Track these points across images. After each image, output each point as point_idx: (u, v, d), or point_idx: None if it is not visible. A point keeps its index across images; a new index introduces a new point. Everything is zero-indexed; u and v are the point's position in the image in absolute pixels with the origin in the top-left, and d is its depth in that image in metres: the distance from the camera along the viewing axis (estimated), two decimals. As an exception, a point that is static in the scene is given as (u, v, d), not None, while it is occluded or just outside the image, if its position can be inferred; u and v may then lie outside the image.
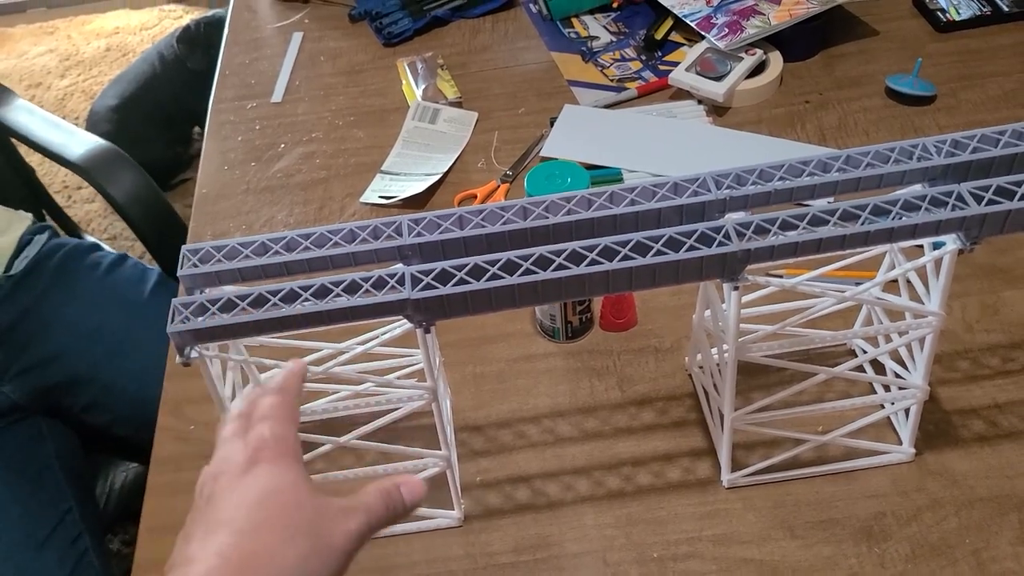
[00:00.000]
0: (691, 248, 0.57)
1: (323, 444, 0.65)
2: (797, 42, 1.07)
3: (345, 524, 0.47)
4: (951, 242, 0.60)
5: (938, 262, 0.62)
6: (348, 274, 0.58)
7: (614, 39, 1.15)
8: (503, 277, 0.56)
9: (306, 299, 0.57)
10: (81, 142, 1.14)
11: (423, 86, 1.09)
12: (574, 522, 0.70)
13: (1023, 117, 0.98)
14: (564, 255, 0.57)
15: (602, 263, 0.56)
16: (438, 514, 0.71)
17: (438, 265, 0.57)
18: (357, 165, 1.02)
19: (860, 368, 0.70)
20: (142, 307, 1.08)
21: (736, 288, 0.59)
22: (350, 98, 1.11)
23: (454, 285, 0.56)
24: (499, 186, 0.97)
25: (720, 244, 0.57)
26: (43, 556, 0.92)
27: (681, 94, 1.06)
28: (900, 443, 0.72)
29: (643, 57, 1.12)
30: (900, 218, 0.57)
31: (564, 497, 0.72)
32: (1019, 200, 0.57)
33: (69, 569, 0.93)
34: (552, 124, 1.03)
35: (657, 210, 0.60)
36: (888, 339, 0.71)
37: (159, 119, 2.03)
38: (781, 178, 0.61)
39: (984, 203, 0.57)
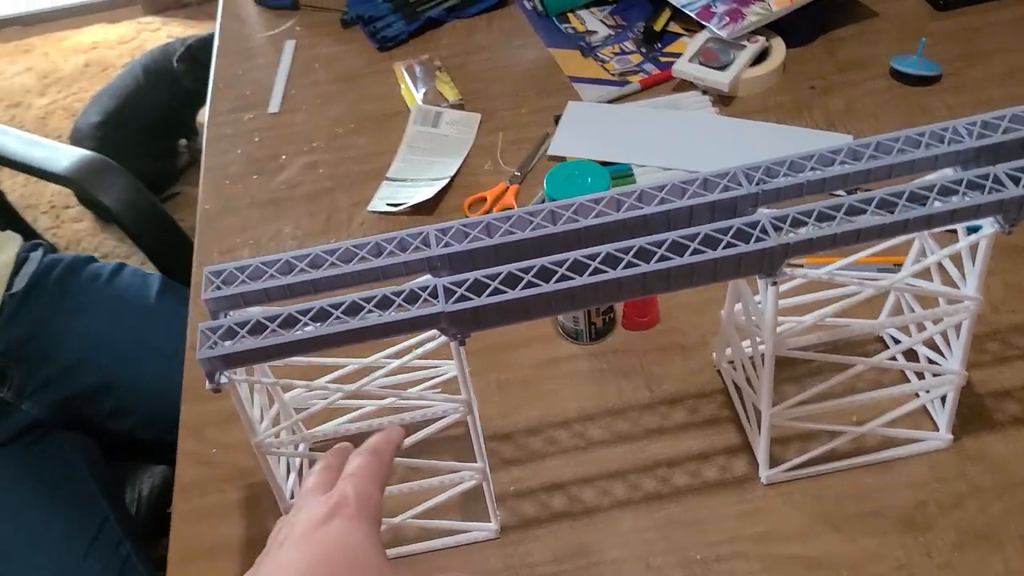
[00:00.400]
0: (728, 245, 0.55)
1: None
2: (798, 27, 1.06)
3: None
4: (988, 225, 0.59)
5: (973, 246, 0.61)
6: (378, 289, 0.56)
7: (612, 33, 1.14)
8: (538, 285, 0.55)
9: (337, 317, 0.55)
10: (66, 155, 1.13)
11: (423, 89, 1.07)
12: (613, 528, 0.69)
13: (1032, 92, 0.98)
14: (599, 259, 0.56)
15: (639, 265, 0.55)
16: (474, 527, 0.69)
17: (470, 275, 0.56)
18: (361, 173, 1.01)
19: (896, 357, 0.68)
20: (151, 311, 1.09)
21: (774, 283, 0.58)
22: (349, 105, 1.09)
23: (489, 295, 0.55)
24: (508, 187, 0.95)
25: (757, 240, 0.56)
26: (89, 565, 0.92)
27: (685, 85, 1.05)
28: (937, 430, 0.71)
29: (643, 49, 1.11)
30: (937, 204, 0.56)
31: (601, 502, 0.71)
32: (1057, 180, 0.56)
33: (116, 574, 0.93)
34: (557, 122, 1.02)
35: (688, 208, 0.59)
36: (920, 327, 0.70)
37: (144, 134, 2.00)
38: (812, 168, 0.59)
39: (1022, 184, 0.56)
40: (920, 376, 0.72)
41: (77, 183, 1.10)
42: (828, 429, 0.69)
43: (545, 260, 0.56)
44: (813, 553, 0.66)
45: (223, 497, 0.74)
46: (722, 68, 1.02)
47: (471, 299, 0.55)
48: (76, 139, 1.98)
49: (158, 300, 1.09)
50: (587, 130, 1.00)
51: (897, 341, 0.75)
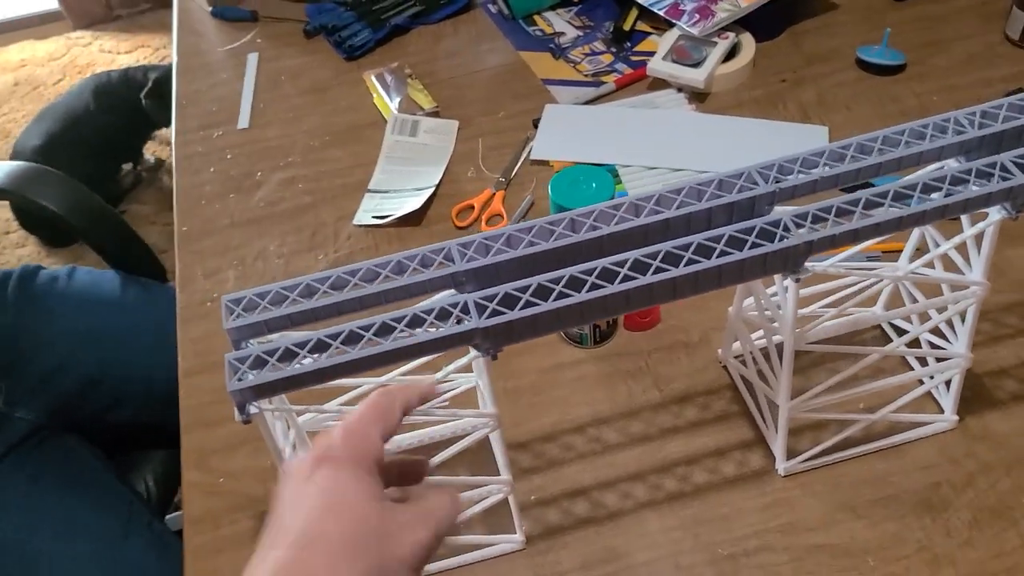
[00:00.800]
0: (753, 245, 0.56)
1: (385, 485, 0.62)
2: (764, 22, 1.08)
3: (414, 535, 0.44)
4: (995, 212, 0.60)
5: (979, 232, 0.62)
6: (407, 308, 0.55)
7: (580, 33, 1.14)
8: (570, 295, 0.55)
9: (369, 339, 0.54)
10: (1, 167, 1.09)
11: (397, 98, 1.06)
12: (639, 530, 0.69)
13: (994, 78, 1.01)
14: (627, 265, 0.56)
15: (668, 270, 0.55)
16: (500, 539, 0.69)
17: (500, 289, 0.55)
18: (342, 186, 0.99)
19: (907, 344, 0.70)
20: (118, 303, 1.08)
21: (797, 280, 0.58)
22: (321, 117, 1.08)
23: (521, 309, 0.54)
24: (495, 193, 0.95)
25: (781, 238, 0.56)
26: (130, 543, 0.92)
27: (658, 84, 1.06)
28: (942, 412, 0.73)
29: (613, 49, 1.11)
30: (950, 194, 0.58)
31: (624, 505, 0.71)
32: (1061, 165, 0.58)
33: (158, 549, 0.93)
34: (536, 125, 1.02)
35: (708, 209, 0.59)
36: (924, 316, 0.71)
37: (88, 157, 1.94)
38: (825, 164, 0.60)
39: (1029, 172, 0.58)
40: (922, 362, 0.73)
41: (15, 192, 1.07)
42: (843, 418, 0.70)
43: (574, 270, 0.56)
44: (837, 541, 0.67)
45: (237, 528, 0.73)
46: (695, 65, 1.03)
47: (504, 313, 0.54)
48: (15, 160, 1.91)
49: (123, 291, 1.08)
50: (567, 132, 1.00)
51: (898, 330, 0.77)
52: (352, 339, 0.54)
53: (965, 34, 1.07)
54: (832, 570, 0.66)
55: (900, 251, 0.83)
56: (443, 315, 0.55)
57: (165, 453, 1.09)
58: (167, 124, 2.02)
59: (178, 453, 0.78)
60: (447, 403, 0.68)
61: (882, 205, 0.58)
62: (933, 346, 0.72)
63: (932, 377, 0.72)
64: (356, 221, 0.95)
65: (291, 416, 0.67)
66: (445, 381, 0.71)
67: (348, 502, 0.44)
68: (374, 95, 1.08)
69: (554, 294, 0.55)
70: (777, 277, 0.62)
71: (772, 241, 0.56)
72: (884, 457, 0.72)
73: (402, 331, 0.54)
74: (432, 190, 0.95)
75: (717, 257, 0.56)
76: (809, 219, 0.57)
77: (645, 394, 0.78)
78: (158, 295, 1.09)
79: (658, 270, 0.55)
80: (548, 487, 0.73)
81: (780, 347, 0.66)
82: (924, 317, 0.72)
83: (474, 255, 0.58)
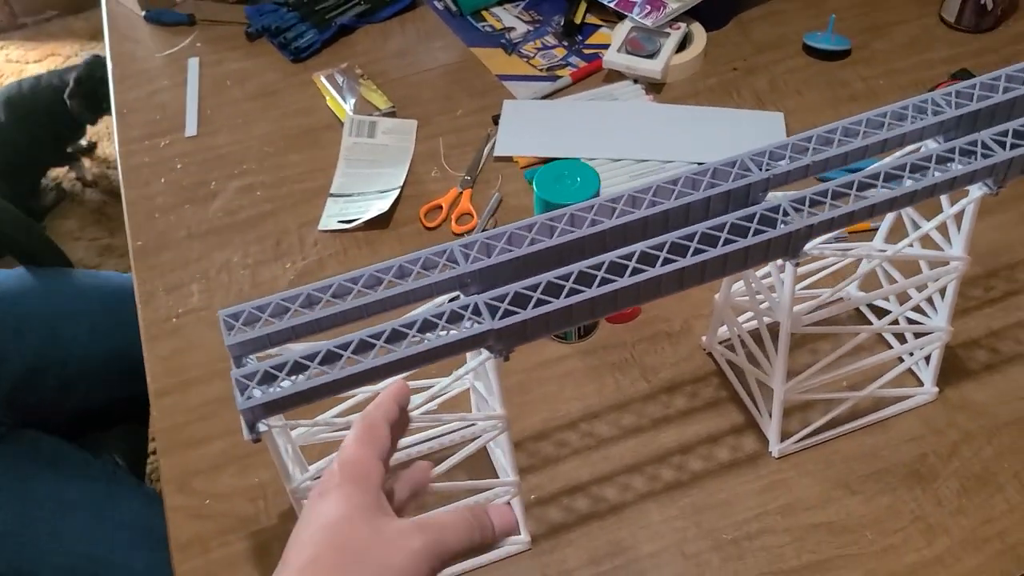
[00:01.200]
0: (756, 232, 0.57)
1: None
2: (712, 11, 1.09)
3: (406, 543, 0.45)
4: (976, 189, 0.62)
5: (960, 209, 0.64)
6: (415, 313, 0.54)
7: (531, 28, 1.13)
8: (581, 291, 0.54)
9: (381, 347, 0.52)
10: None
11: (351, 100, 1.04)
12: (641, 521, 0.70)
13: (934, 60, 1.05)
14: (635, 258, 0.56)
15: (676, 260, 0.55)
16: (505, 541, 0.68)
17: (509, 289, 0.54)
18: (302, 192, 0.96)
19: (894, 321, 0.72)
20: (42, 288, 1.06)
21: (796, 264, 0.59)
22: (272, 122, 1.05)
23: (534, 307, 0.54)
24: (461, 192, 0.94)
25: (782, 224, 0.57)
26: (121, 503, 0.93)
27: (614, 76, 1.06)
28: (922, 385, 0.75)
29: (565, 43, 1.11)
30: (937, 173, 0.59)
31: (624, 498, 0.71)
32: (1038, 141, 0.60)
33: (147, 503, 0.93)
34: (496, 122, 1.01)
35: (706, 199, 0.59)
36: (903, 296, 0.73)
37: (4, 176, 1.85)
38: (814, 149, 0.61)
39: (1008, 148, 0.60)
40: (900, 339, 0.75)
41: None
42: (833, 398, 0.72)
43: (581, 265, 0.55)
44: (835, 518, 0.69)
45: (229, 551, 0.70)
46: (650, 56, 1.03)
47: (518, 312, 0.53)
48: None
49: (39, 279, 1.06)
50: (529, 128, 0.99)
51: (874, 309, 0.79)
52: (363, 348, 0.53)
53: (904, 18, 1.10)
54: (833, 547, 0.67)
55: (864, 231, 0.85)
56: (454, 318, 0.54)
57: (125, 429, 1.07)
58: (93, 123, 1.95)
59: (140, 425, 0.75)
60: (436, 409, 0.67)
61: (875, 187, 0.59)
62: (911, 322, 0.74)
63: (912, 354, 0.74)
64: (322, 227, 0.92)
65: (285, 431, 0.65)
66: (436, 396, 0.70)
67: (340, 523, 0.45)
68: (327, 97, 1.06)
69: (565, 291, 0.54)
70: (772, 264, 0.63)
71: (774, 227, 0.57)
72: (871, 432, 0.73)
73: (414, 337, 0.53)
74: (397, 192, 0.94)
75: (723, 245, 0.56)
76: (807, 203, 0.58)
77: (633, 385, 0.78)
78: (75, 279, 1.09)
79: (666, 261, 0.55)
80: (546, 485, 0.72)
81: (772, 330, 0.67)
82: (904, 296, 0.74)
83: (478, 256, 0.57)
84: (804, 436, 0.72)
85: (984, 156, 0.60)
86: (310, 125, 1.04)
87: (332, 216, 0.93)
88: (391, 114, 1.03)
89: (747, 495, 0.70)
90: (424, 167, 0.98)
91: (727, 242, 0.56)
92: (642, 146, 0.96)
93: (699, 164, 0.61)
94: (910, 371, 0.76)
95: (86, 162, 2.08)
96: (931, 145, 0.64)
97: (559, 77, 1.06)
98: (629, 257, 0.56)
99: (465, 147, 0.99)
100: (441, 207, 0.93)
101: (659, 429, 0.75)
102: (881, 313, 0.78)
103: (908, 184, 0.59)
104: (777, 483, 0.71)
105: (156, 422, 0.78)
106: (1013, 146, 0.60)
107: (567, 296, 0.54)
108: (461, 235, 0.90)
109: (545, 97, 1.04)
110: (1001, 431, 0.73)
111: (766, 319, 0.69)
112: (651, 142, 0.96)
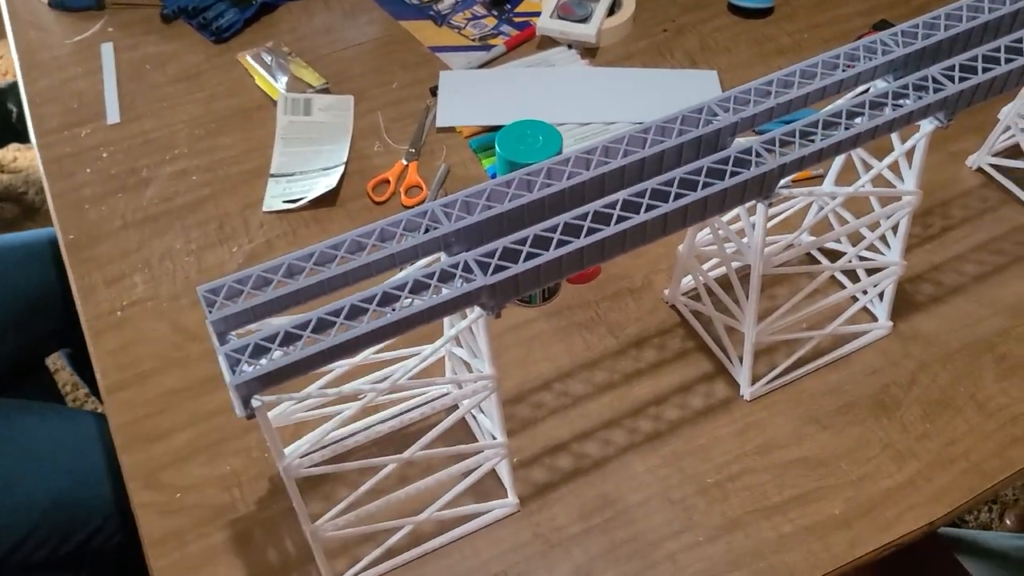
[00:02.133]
0: (732, 174, 0.57)
1: (386, 465, 0.60)
2: (637, -25, 1.10)
3: None
4: (927, 124, 0.65)
5: (913, 144, 0.67)
6: (404, 274, 0.53)
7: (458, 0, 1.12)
8: (569, 242, 0.54)
9: (374, 311, 0.51)
10: None
11: (283, 78, 1.01)
12: (625, 473, 0.70)
13: (851, 13, 1.08)
14: (619, 206, 0.56)
15: (659, 206, 0.56)
16: (493, 505, 0.68)
17: (497, 245, 0.54)
18: (240, 174, 0.93)
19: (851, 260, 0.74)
20: None
21: (769, 204, 0.60)
22: (200, 104, 1.01)
23: (525, 261, 0.53)
24: (407, 165, 0.92)
25: (756, 165, 0.58)
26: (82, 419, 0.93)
27: (547, 42, 1.06)
28: (876, 320, 0.78)
29: (494, 12, 1.10)
30: (891, 109, 0.61)
31: (606, 452, 0.71)
32: (983, 74, 0.63)
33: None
34: (434, 93, 1.00)
35: (679, 146, 0.60)
36: (856, 236, 0.76)
37: None
38: (776, 93, 0.63)
39: (957, 81, 0.62)
40: (853, 278, 0.78)
41: None
42: (799, 337, 0.74)
43: (567, 216, 0.55)
44: (810, 453, 0.71)
45: (208, 542, 0.67)
46: (583, 21, 1.04)
47: (509, 267, 0.53)
48: None
49: None
50: (469, 97, 0.99)
51: (825, 251, 0.81)
52: (355, 313, 0.51)
53: (820, -25, 1.13)
54: (812, 480, 0.69)
55: (808, 178, 0.88)
56: (445, 277, 0.53)
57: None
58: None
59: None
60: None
61: (839, 125, 0.61)
62: (863, 259, 0.76)
63: (866, 292, 0.76)
64: (266, 208, 0.89)
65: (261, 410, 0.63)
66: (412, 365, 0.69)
67: None
68: (255, 77, 1.02)
69: (553, 243, 0.54)
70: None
71: (748, 168, 0.58)
72: (835, 369, 0.76)
73: (406, 299, 0.52)
74: (342, 168, 0.91)
75: (702, 189, 0.57)
76: (777, 144, 0.59)
77: (602, 343, 0.78)
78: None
79: (648, 208, 0.56)
80: (527, 447, 0.72)
81: (741, 274, 0.68)
82: (857, 235, 0.76)
83: (460, 214, 0.56)
84: (773, 378, 0.74)
85: (935, 91, 0.62)
86: (240, 106, 1.00)
87: (276, 196, 0.90)
88: (325, 91, 1.01)
89: (724, 439, 0.72)
90: (366, 142, 0.96)
91: (705, 185, 0.57)
92: (584, 109, 0.96)
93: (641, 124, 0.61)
94: (865, 308, 0.79)
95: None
96: (881, 84, 0.66)
97: (493, 46, 1.05)
98: (613, 206, 0.56)
99: (405, 120, 0.98)
100: (388, 181, 0.91)
101: (632, 383, 0.75)
102: (834, 256, 0.80)
103: (868, 120, 0.61)
104: (751, 425, 0.73)
105: (112, 419, 0.74)
106: (961, 79, 0.63)
107: (556, 248, 0.54)
108: (412, 207, 0.88)
109: (481, 66, 1.03)
110: (953, 357, 0.76)
111: (735, 263, 0.70)
112: (592, 105, 0.97)
